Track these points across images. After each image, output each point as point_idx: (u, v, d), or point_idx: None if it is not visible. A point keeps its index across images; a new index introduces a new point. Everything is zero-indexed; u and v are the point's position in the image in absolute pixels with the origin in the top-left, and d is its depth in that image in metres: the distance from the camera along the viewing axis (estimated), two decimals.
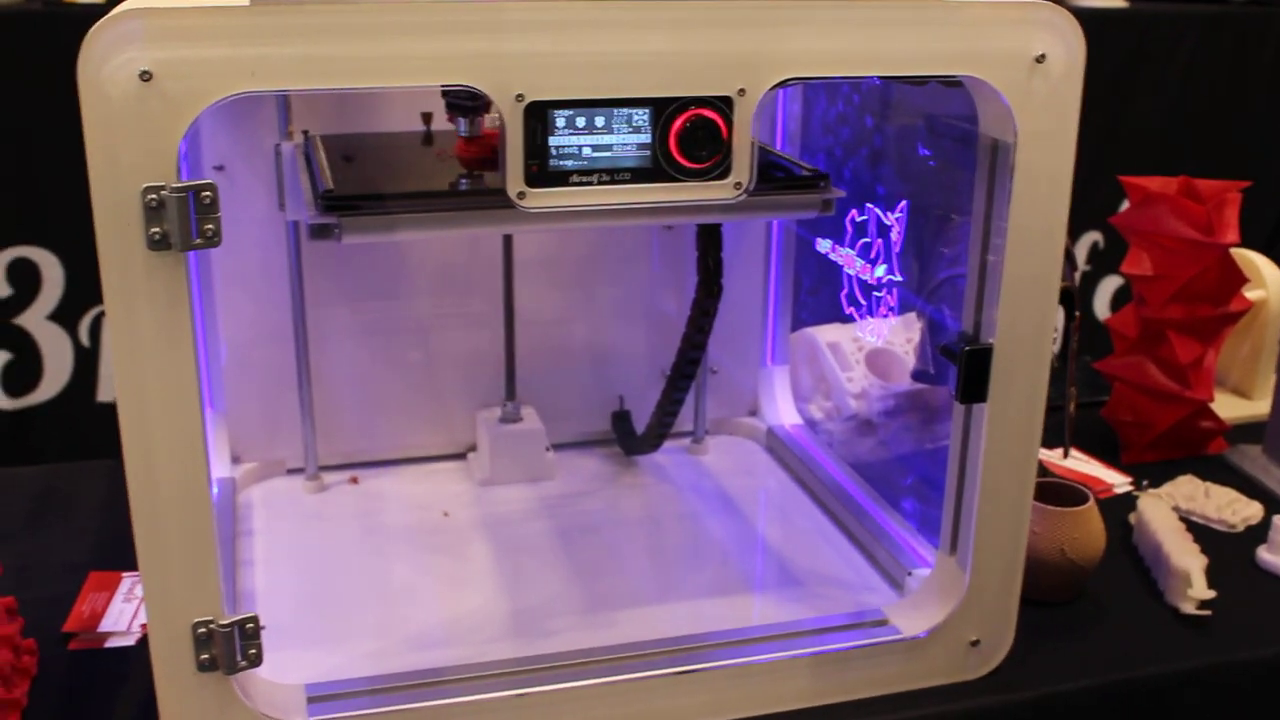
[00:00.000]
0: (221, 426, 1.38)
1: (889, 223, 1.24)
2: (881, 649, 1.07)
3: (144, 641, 1.09)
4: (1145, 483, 1.47)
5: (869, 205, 1.27)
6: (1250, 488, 1.47)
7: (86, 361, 2.74)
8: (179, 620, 0.91)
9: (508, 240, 1.37)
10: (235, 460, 1.40)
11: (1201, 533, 1.34)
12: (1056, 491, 1.25)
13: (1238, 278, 1.49)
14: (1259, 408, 1.67)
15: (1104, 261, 3.31)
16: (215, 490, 1.30)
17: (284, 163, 1.21)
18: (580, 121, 0.88)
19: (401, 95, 1.29)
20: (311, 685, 1.00)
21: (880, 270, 1.26)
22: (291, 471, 1.42)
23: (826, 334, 1.47)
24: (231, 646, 0.91)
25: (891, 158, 1.25)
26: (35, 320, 2.73)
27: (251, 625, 0.92)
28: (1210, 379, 1.53)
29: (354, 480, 1.43)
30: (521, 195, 0.89)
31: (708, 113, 0.90)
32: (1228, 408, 1.63)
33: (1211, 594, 1.20)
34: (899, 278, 1.24)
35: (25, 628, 1.10)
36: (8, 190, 2.62)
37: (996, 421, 1.03)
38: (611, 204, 0.92)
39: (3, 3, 2.64)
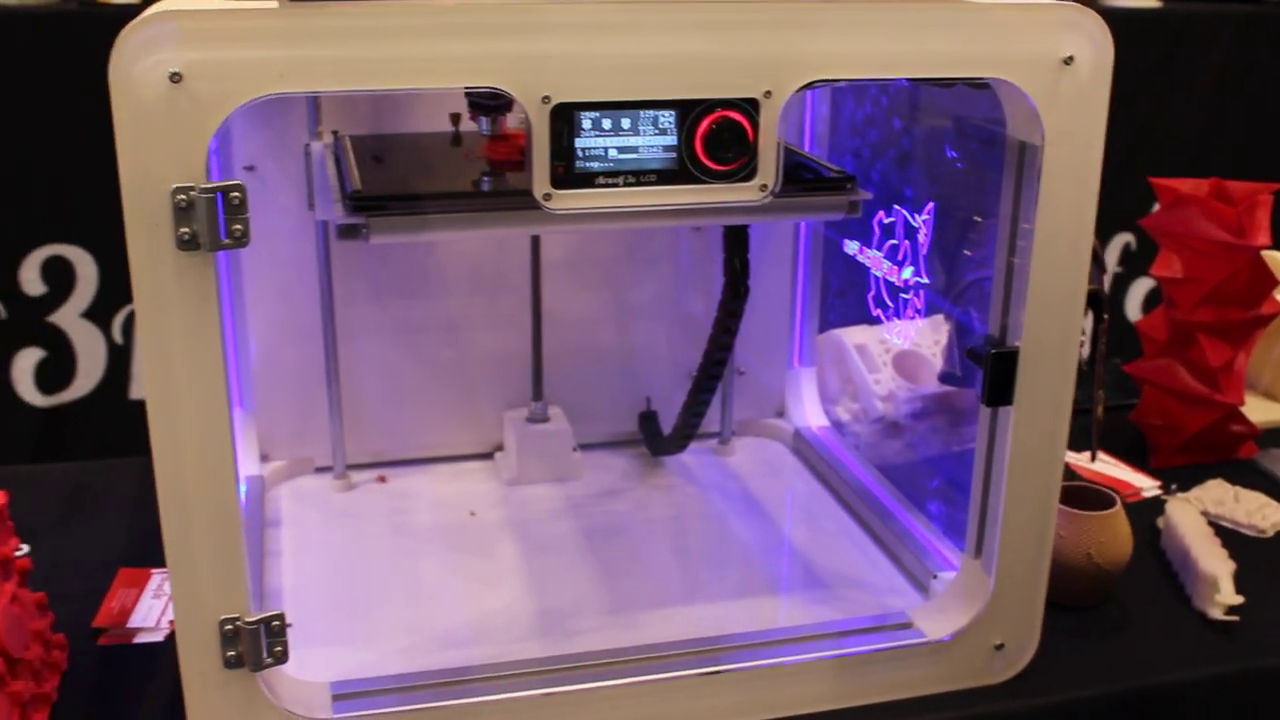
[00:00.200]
0: (251, 425, 1.39)
1: (916, 225, 1.24)
2: (906, 652, 1.07)
3: (172, 638, 1.10)
4: (1174, 487, 1.46)
5: (896, 207, 1.27)
6: None
7: (119, 359, 2.76)
8: (206, 617, 0.91)
9: (535, 240, 1.38)
10: (264, 458, 1.41)
11: (1230, 537, 1.34)
12: (1083, 495, 1.25)
13: (1269, 280, 1.48)
14: None
15: (1136, 263, 3.30)
16: (244, 488, 1.32)
17: (313, 163, 1.21)
18: (606, 123, 0.89)
19: (431, 95, 1.30)
20: (337, 683, 1.01)
21: (907, 272, 1.26)
22: (320, 470, 1.43)
23: (854, 336, 1.46)
24: (258, 644, 0.92)
25: (919, 160, 1.25)
26: (69, 318, 2.75)
27: (278, 623, 0.93)
28: (1240, 382, 1.52)
29: (382, 479, 1.43)
30: (548, 197, 0.89)
31: (734, 115, 0.90)
32: (1258, 411, 1.62)
33: (1240, 599, 1.20)
34: (926, 280, 1.24)
35: (56, 623, 1.11)
36: (42, 189, 2.64)
37: (1022, 425, 1.02)
38: (637, 206, 0.92)
39: (38, 3, 2.67)
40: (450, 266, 1.41)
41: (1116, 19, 3.22)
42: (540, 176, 0.89)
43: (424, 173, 1.15)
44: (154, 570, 1.26)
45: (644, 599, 1.20)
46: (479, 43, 0.84)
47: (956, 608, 1.10)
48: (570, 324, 1.47)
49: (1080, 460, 1.50)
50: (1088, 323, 1.37)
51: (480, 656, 1.09)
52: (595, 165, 0.89)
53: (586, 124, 0.88)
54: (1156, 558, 1.34)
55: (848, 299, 1.43)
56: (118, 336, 2.77)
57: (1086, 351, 1.44)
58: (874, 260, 1.32)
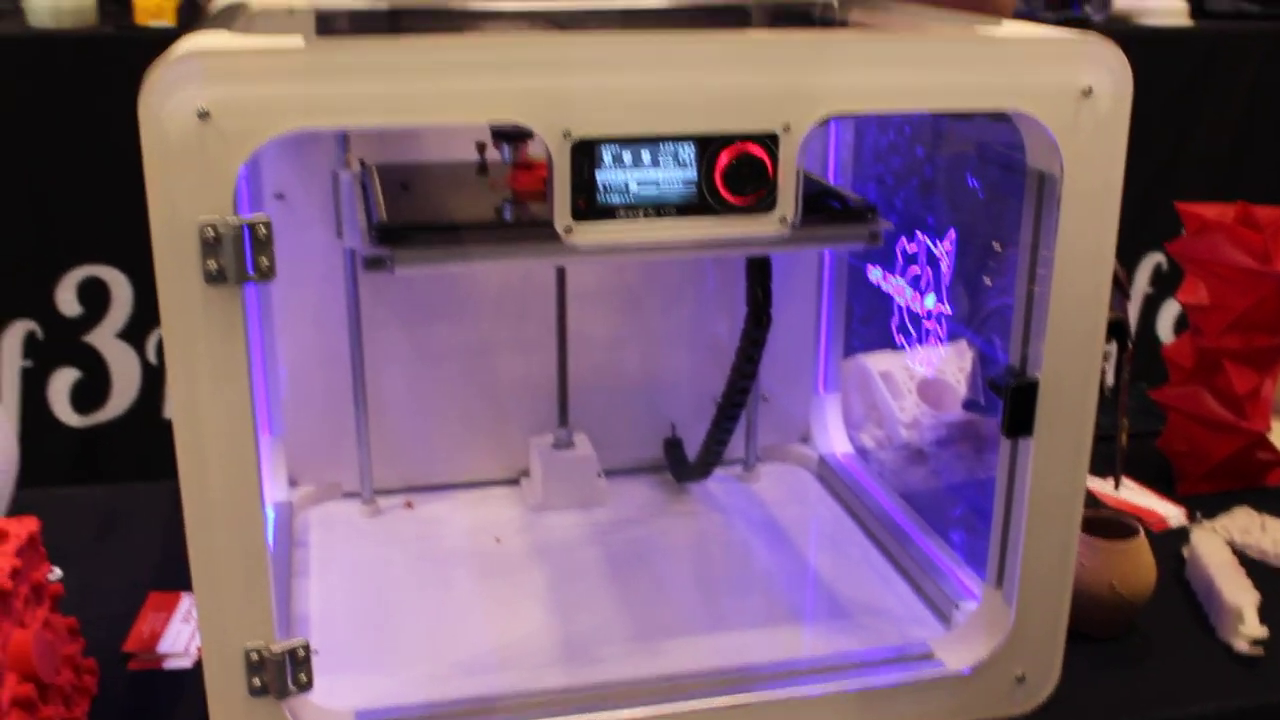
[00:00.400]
0: (280, 450, 1.40)
1: (938, 253, 1.24)
2: (927, 683, 1.07)
3: (200, 664, 1.11)
4: (1199, 515, 1.46)
5: (919, 235, 1.28)
6: None
7: (153, 379, 2.79)
8: (232, 645, 0.92)
9: (561, 267, 1.39)
10: (293, 483, 1.43)
11: (1256, 568, 1.33)
12: (1107, 525, 1.25)
13: None
14: None
15: (1167, 284, 3.29)
16: (272, 513, 1.33)
17: (341, 191, 1.23)
18: (627, 157, 0.90)
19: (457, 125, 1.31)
20: (362, 711, 1.02)
21: (930, 300, 1.26)
22: (348, 495, 1.44)
23: (878, 362, 1.47)
24: (283, 672, 0.93)
25: (941, 188, 1.26)
26: (104, 338, 2.79)
27: (303, 651, 0.94)
28: (1267, 410, 1.51)
29: (409, 504, 1.44)
30: (569, 230, 0.90)
31: (753, 148, 0.91)
32: None
33: (1264, 632, 1.19)
34: (948, 309, 1.24)
35: (87, 647, 1.13)
36: (79, 210, 2.68)
37: (1043, 456, 1.03)
38: (657, 239, 0.93)
39: (78, 27, 2.71)
40: (477, 292, 1.42)
41: (1147, 38, 3.23)
42: (561, 210, 0.90)
43: (449, 203, 1.16)
44: (183, 594, 1.27)
45: (667, 627, 1.21)
46: (500, 79, 0.85)
47: (978, 639, 1.10)
48: (596, 350, 1.48)
49: (1105, 487, 1.50)
50: (1112, 349, 1.38)
51: (504, 684, 1.10)
52: (616, 198, 0.90)
53: (607, 158, 0.89)
54: (1181, 587, 1.33)
55: (871, 326, 1.43)
56: (152, 357, 2.80)
57: (1111, 379, 1.44)
58: (897, 288, 1.33)
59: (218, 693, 0.93)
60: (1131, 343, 1.38)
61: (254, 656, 0.92)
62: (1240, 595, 1.23)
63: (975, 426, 1.33)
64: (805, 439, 1.57)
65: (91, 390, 2.81)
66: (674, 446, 1.50)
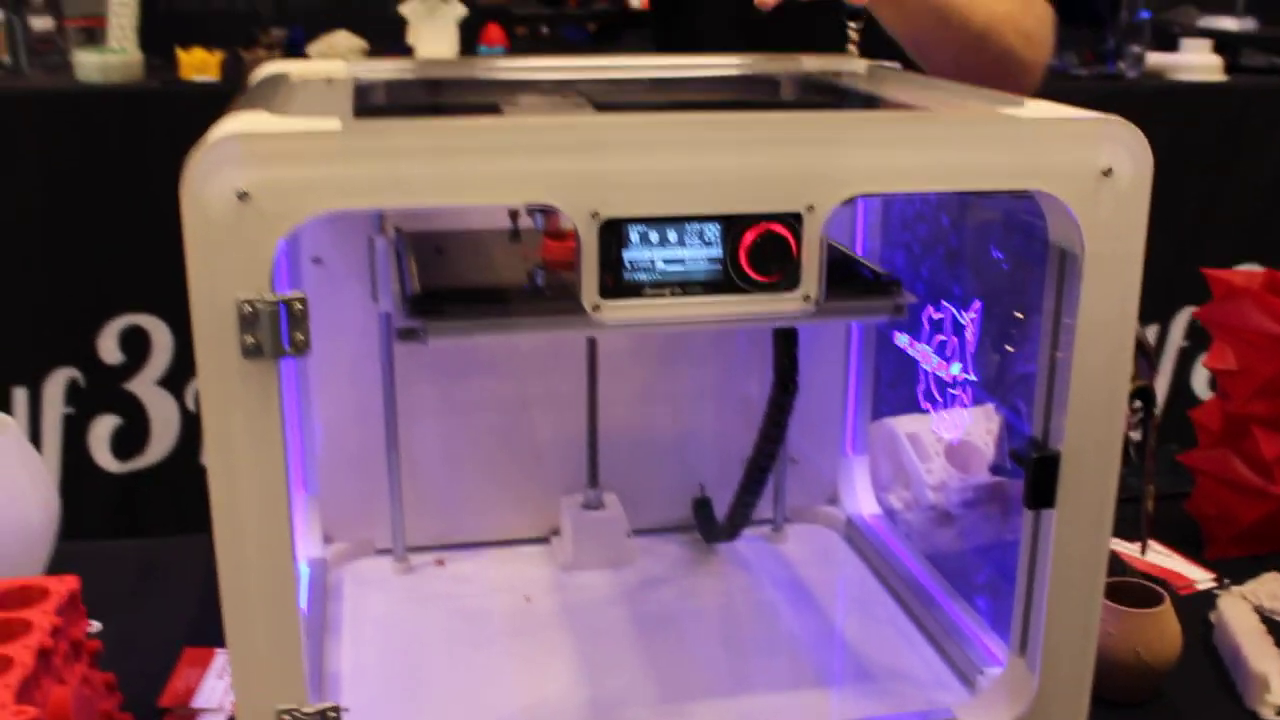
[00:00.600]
0: (315, 509, 1.43)
1: (964, 322, 1.26)
2: None
3: None
4: (1227, 581, 1.46)
5: (945, 303, 1.29)
6: None
7: (192, 426, 2.84)
8: (264, 706, 0.94)
9: None
10: (327, 540, 1.45)
11: None
12: (1132, 591, 1.25)
13: None
14: None
15: (1202, 340, 3.29)
16: (307, 570, 1.36)
17: (377, 257, 1.25)
18: (653, 236, 0.92)
19: None
20: None
21: (955, 368, 1.28)
22: (381, 551, 1.47)
23: (906, 425, 1.48)
24: None
25: (967, 258, 1.27)
26: (145, 386, 2.83)
27: (334, 714, 0.96)
28: None
29: (440, 562, 1.46)
30: (596, 308, 0.93)
31: (777, 228, 0.93)
32: None
33: None
34: (974, 377, 1.26)
35: (123, 703, 1.15)
36: (122, 260, 2.73)
37: (1065, 527, 1.04)
38: (683, 316, 0.95)
39: (125, 82, 2.77)
40: (509, 350, 1.44)
41: (1183, 92, 3.26)
42: (589, 288, 0.92)
43: (481, 274, 1.19)
44: (217, 650, 1.29)
45: (694, 689, 1.22)
46: (530, 161, 0.88)
47: (1001, 705, 1.10)
48: (626, 409, 1.49)
49: (1132, 550, 1.50)
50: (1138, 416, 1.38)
51: None
52: (642, 276, 0.93)
53: (634, 237, 0.91)
54: (1209, 653, 1.34)
55: (898, 391, 1.45)
56: (191, 404, 2.84)
57: (1139, 434, 1.45)
58: (923, 355, 1.34)
59: None
60: (1157, 409, 1.39)
61: (286, 719, 0.94)
62: (1267, 663, 1.23)
63: (1002, 489, 1.34)
64: (833, 500, 1.58)
65: (131, 437, 2.86)
66: (703, 507, 1.51)
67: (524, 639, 1.32)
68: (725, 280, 0.94)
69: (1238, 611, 1.34)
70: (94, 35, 2.99)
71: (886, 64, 1.46)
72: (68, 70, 2.83)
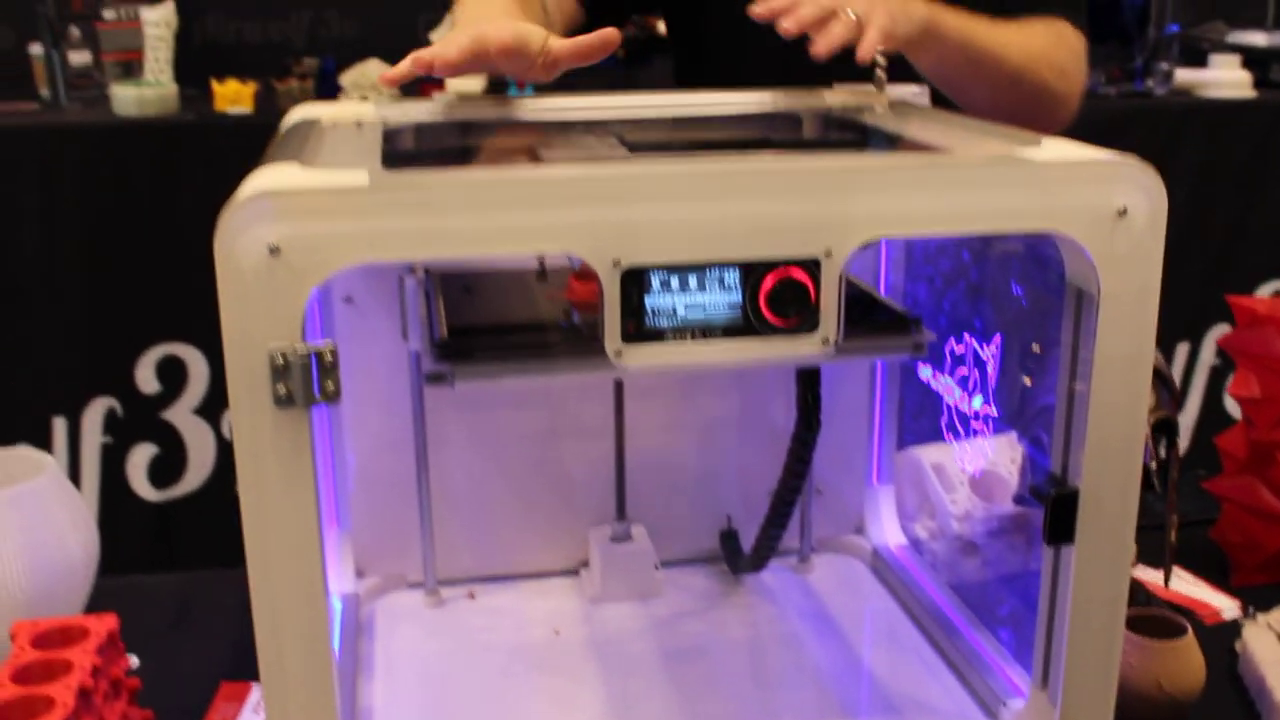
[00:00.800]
0: (347, 544, 1.45)
1: (985, 356, 1.27)
2: None
3: None
4: (1252, 609, 1.46)
5: (967, 336, 1.31)
6: None
7: (228, 454, 2.87)
8: None
9: None
10: (360, 574, 1.47)
11: None
12: (1155, 623, 1.26)
13: None
14: None
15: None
16: (339, 604, 1.38)
17: (407, 297, 1.28)
18: (675, 282, 0.94)
19: None
20: None
21: (977, 402, 1.29)
22: (412, 585, 1.49)
23: (931, 455, 1.49)
24: None
25: (988, 292, 1.29)
26: (181, 415, 2.87)
27: None
28: None
29: (471, 595, 1.48)
30: (619, 353, 0.95)
31: (796, 273, 0.95)
32: None
33: None
34: (995, 411, 1.27)
35: None
36: (159, 290, 2.77)
37: (1084, 563, 1.05)
38: (704, 360, 0.97)
39: (161, 115, 2.81)
40: (537, 385, 1.46)
41: (1211, 109, 3.25)
42: (611, 334, 0.94)
43: (508, 316, 1.21)
44: (253, 685, 1.32)
45: None
46: (553, 213, 0.90)
47: None
48: (653, 441, 1.51)
49: (1158, 578, 1.51)
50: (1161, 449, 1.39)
51: None
52: (664, 322, 0.95)
53: (656, 284, 0.93)
54: (1234, 682, 1.34)
55: (922, 422, 1.46)
56: (227, 433, 2.87)
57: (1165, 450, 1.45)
58: (946, 387, 1.36)
59: None
60: (1178, 440, 1.40)
61: None
62: None
63: (1025, 519, 1.35)
64: (859, 530, 1.59)
65: (168, 465, 2.89)
66: (729, 538, 1.53)
67: (553, 672, 1.34)
68: (745, 324, 0.96)
69: (1263, 642, 1.34)
70: (130, 69, 3.04)
71: (913, 89, 1.48)
72: (105, 104, 2.88)
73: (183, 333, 2.81)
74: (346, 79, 3.07)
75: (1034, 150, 1.01)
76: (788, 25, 1.27)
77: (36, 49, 3.05)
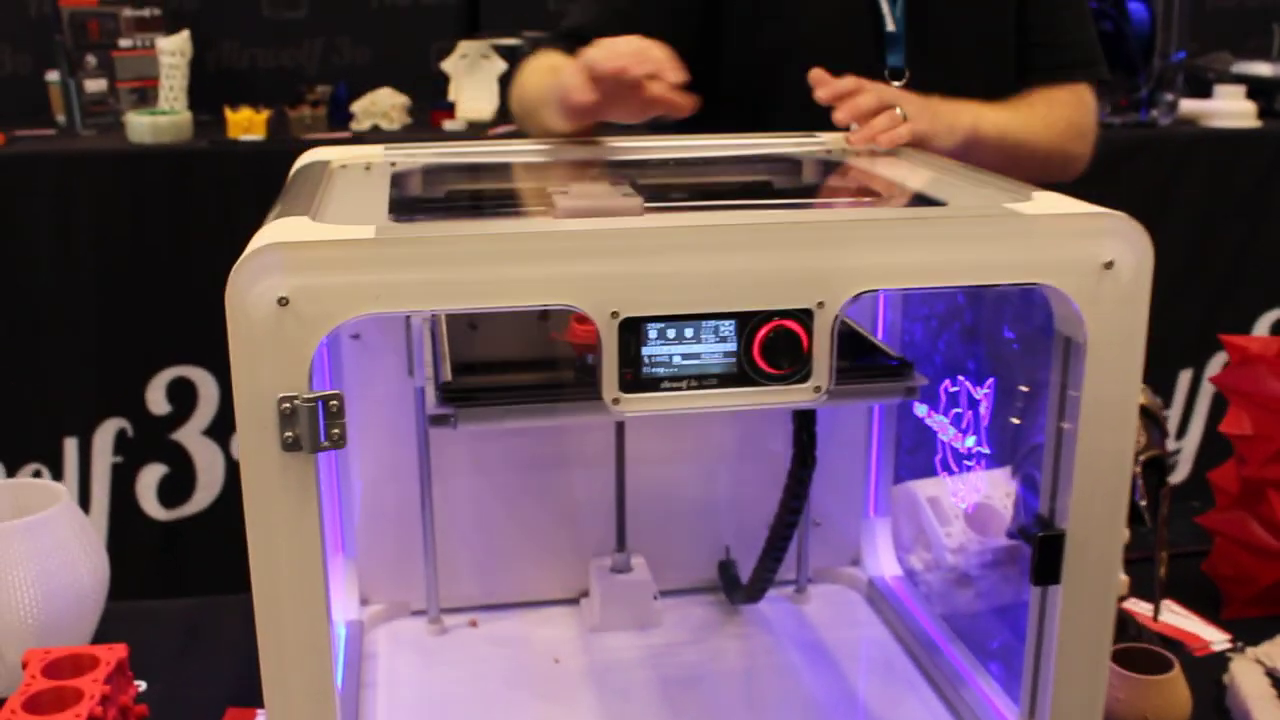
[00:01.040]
0: (352, 571, 1.48)
1: (978, 397, 1.30)
2: None
3: None
4: (1241, 643, 1.49)
5: (960, 378, 1.33)
6: None
7: (237, 475, 2.90)
8: None
9: None
10: (364, 601, 1.50)
11: None
12: (1142, 657, 1.29)
13: None
14: None
15: None
16: (344, 631, 1.41)
17: (413, 336, 1.31)
18: (671, 333, 0.97)
19: None
20: None
21: (970, 441, 1.32)
22: (416, 613, 1.52)
23: (927, 489, 1.52)
24: None
25: (981, 335, 1.31)
26: (191, 435, 2.90)
27: None
28: None
29: (473, 623, 1.51)
30: (616, 401, 0.98)
31: (789, 324, 0.98)
32: None
33: None
34: (987, 450, 1.30)
35: None
36: (170, 314, 2.81)
37: (1070, 603, 1.08)
38: (699, 408, 1.00)
39: (174, 142, 2.85)
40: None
41: (1215, 139, 3.26)
42: (609, 383, 0.97)
43: (510, 358, 1.24)
44: (258, 712, 1.35)
45: None
46: (553, 266, 0.93)
47: None
48: (654, 472, 1.54)
49: (1150, 610, 1.53)
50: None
51: None
52: (660, 371, 0.98)
53: (652, 334, 0.96)
54: (1222, 715, 1.36)
55: (917, 458, 1.49)
56: (235, 454, 2.90)
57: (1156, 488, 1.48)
58: (940, 425, 1.38)
59: None
60: (1169, 479, 1.43)
61: None
62: None
63: (1018, 552, 1.37)
64: (856, 561, 1.62)
65: (178, 485, 2.92)
66: (727, 569, 1.56)
67: (552, 700, 1.37)
68: (739, 373, 0.99)
69: (1250, 676, 1.37)
70: (145, 96, 3.08)
71: None
72: (120, 130, 2.91)
73: (193, 356, 2.84)
74: (358, 107, 3.10)
75: (1024, 204, 1.04)
76: (842, 116, 1.38)
77: (53, 76, 3.09)
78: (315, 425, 0.92)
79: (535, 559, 1.55)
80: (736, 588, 1.54)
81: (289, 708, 0.97)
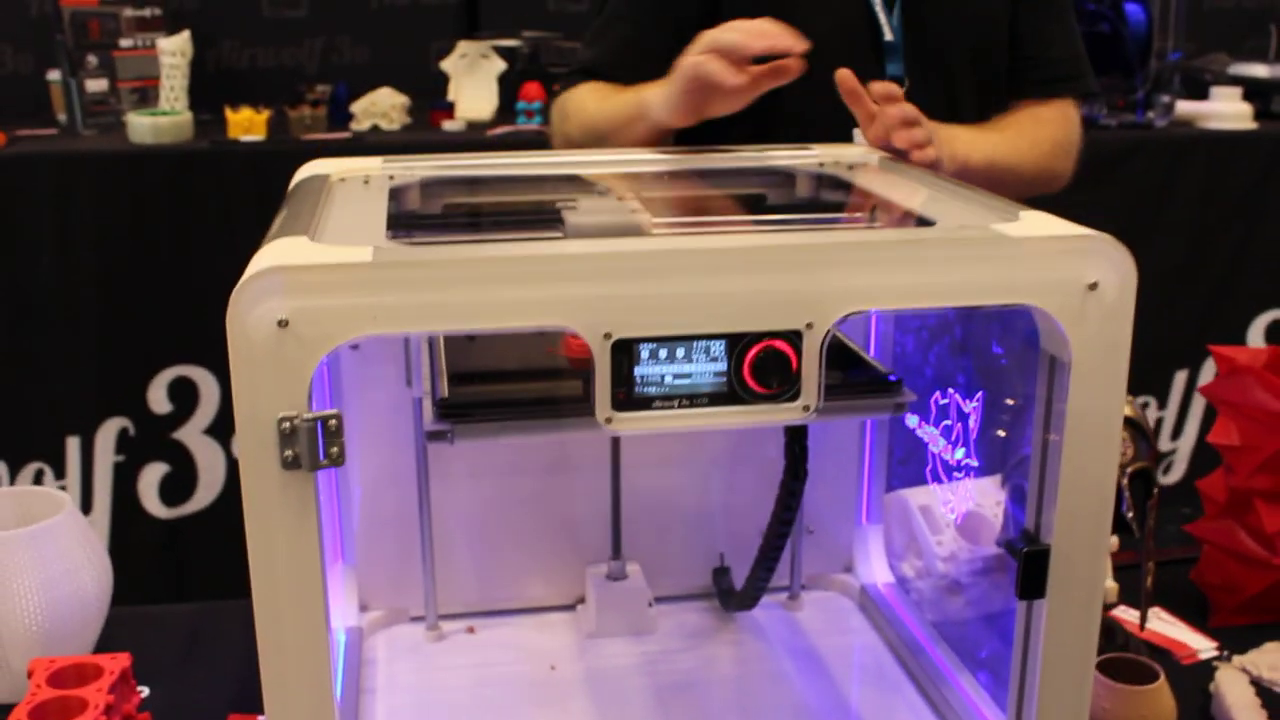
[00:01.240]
0: (351, 578, 1.50)
1: (967, 410, 1.32)
2: None
3: None
4: (1227, 653, 1.51)
5: (950, 391, 1.35)
6: None
7: (237, 474, 2.92)
8: None
9: None
10: (363, 608, 1.52)
11: None
12: (1127, 667, 1.31)
13: None
14: None
15: None
16: (343, 637, 1.43)
17: (411, 348, 1.33)
18: (663, 353, 0.99)
19: None
20: None
21: (959, 453, 1.34)
22: (414, 619, 1.54)
23: (919, 497, 1.54)
24: None
25: (970, 349, 1.33)
26: (192, 435, 2.92)
27: None
28: None
29: (471, 630, 1.53)
30: (609, 420, 1.00)
31: (779, 344, 1.00)
32: None
33: None
34: (976, 463, 1.32)
35: None
36: (171, 314, 2.83)
37: (1055, 617, 1.10)
38: (690, 427, 1.02)
39: (175, 142, 2.87)
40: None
41: (1211, 141, 3.28)
42: (602, 402, 0.99)
43: (507, 373, 1.26)
44: (260, 718, 1.37)
45: None
46: (547, 288, 0.95)
47: None
48: (649, 479, 1.56)
49: (1136, 619, 1.55)
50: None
51: None
52: (652, 390, 1.00)
53: (645, 354, 0.98)
54: None
55: (909, 467, 1.51)
56: (236, 453, 2.92)
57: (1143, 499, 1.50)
58: (931, 437, 1.40)
59: None
60: (1156, 489, 1.45)
61: None
62: None
63: (1007, 561, 1.39)
64: (848, 568, 1.64)
65: (179, 484, 2.95)
66: (721, 575, 1.58)
67: (549, 706, 1.39)
68: (729, 393, 1.01)
69: (1236, 684, 1.39)
70: (146, 96, 3.10)
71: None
72: (121, 130, 2.93)
73: (194, 355, 2.86)
74: (358, 106, 3.12)
75: (1010, 225, 1.06)
76: (903, 142, 1.43)
77: (54, 76, 3.11)
78: (314, 444, 0.94)
79: (532, 566, 1.57)
80: (730, 594, 1.56)
81: (289, 714, 0.99)
